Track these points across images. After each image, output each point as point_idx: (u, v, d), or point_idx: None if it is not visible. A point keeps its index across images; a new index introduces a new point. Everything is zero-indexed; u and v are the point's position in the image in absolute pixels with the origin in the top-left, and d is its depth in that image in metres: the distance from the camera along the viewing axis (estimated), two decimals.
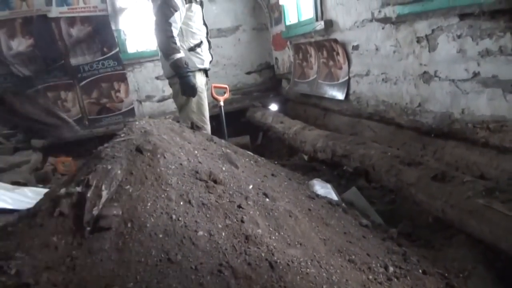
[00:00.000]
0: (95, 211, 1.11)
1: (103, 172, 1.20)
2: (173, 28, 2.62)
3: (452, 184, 1.64)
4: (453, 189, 1.60)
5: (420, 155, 2.35)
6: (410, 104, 2.60)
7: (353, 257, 1.26)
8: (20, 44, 4.18)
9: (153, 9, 2.74)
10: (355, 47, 3.14)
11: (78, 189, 1.18)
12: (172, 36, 2.63)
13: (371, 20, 2.85)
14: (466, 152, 2.06)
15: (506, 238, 1.31)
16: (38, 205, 1.37)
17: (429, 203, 1.69)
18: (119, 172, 1.21)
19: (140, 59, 4.73)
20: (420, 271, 1.30)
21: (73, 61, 4.36)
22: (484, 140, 1.96)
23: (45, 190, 1.99)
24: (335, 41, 3.34)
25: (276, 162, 2.25)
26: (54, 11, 4.20)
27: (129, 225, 1.08)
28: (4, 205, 2.11)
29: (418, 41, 2.43)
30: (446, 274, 1.31)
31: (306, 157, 2.89)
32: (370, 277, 1.21)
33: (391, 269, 1.28)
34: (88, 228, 1.08)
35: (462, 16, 2.01)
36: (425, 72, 2.43)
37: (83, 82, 4.45)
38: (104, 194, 1.15)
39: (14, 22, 4.13)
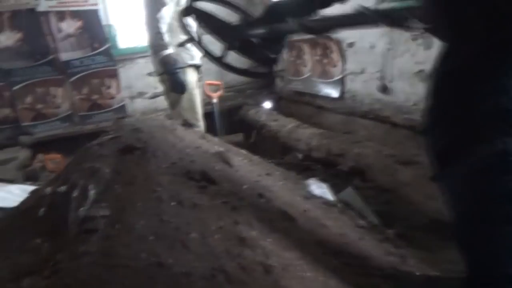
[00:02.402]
0: (81, 212, 1.06)
1: (90, 171, 1.15)
2: (161, 24, 2.56)
3: None
4: None
5: (415, 154, 2.32)
6: (405, 103, 2.58)
7: (350, 259, 1.22)
8: (8, 38, 4.07)
9: (143, 4, 2.69)
10: (350, 45, 3.11)
11: (64, 188, 1.13)
12: (160, 32, 2.57)
13: None
14: None
15: None
16: (23, 204, 1.31)
17: (425, 204, 1.67)
18: (107, 171, 1.16)
19: (131, 55, 4.64)
20: (418, 274, 1.27)
21: (63, 56, 4.27)
22: None
23: (33, 188, 1.93)
24: (330, 38, 3.31)
25: (270, 161, 2.21)
26: (43, 5, 4.10)
27: (116, 227, 1.03)
28: None
29: (413, 39, 2.41)
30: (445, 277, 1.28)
31: (300, 156, 2.85)
32: (368, 280, 1.17)
33: (388, 271, 1.24)
34: (74, 230, 1.03)
35: None
36: (420, 71, 2.41)
37: (73, 78, 4.35)
38: (91, 194, 1.09)
39: (2, 15, 4.02)
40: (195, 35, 1.36)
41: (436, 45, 2.19)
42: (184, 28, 1.32)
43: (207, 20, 1.28)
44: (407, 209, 1.78)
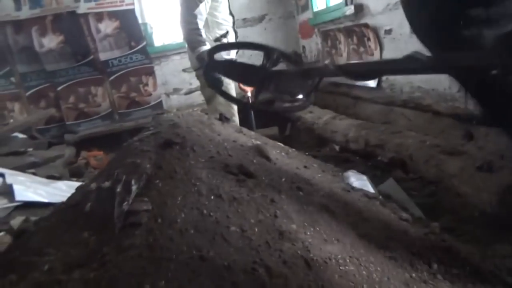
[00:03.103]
0: (125, 206, 1.08)
1: (131, 166, 1.17)
2: (198, 20, 2.58)
3: (501, 175, 1.52)
4: (502, 180, 1.49)
5: (460, 144, 2.21)
6: (449, 90, 2.45)
7: (394, 253, 1.18)
8: (51, 41, 4.27)
9: (179, 1, 2.72)
10: (388, 32, 3.00)
11: (108, 184, 1.16)
12: (197, 28, 2.59)
13: None
14: None
15: None
16: (70, 200, 1.37)
17: (474, 196, 1.58)
18: (148, 166, 1.18)
19: (166, 52, 4.74)
20: (469, 268, 1.21)
21: (102, 56, 4.42)
22: None
23: (78, 184, 2.02)
24: (366, 26, 3.20)
25: (307, 154, 2.17)
26: (82, 7, 4.26)
27: (159, 220, 1.05)
28: (40, 198, 2.16)
29: None
30: (498, 272, 1.21)
31: (337, 148, 2.80)
32: (413, 275, 1.13)
33: (435, 266, 1.19)
34: (119, 224, 1.06)
35: None
36: None
37: (112, 77, 4.51)
38: (134, 189, 1.12)
39: (44, 19, 4.22)
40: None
41: None
42: (211, 83, 1.23)
43: (232, 69, 1.22)
44: (454, 202, 1.70)
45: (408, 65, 0.92)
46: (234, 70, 1.19)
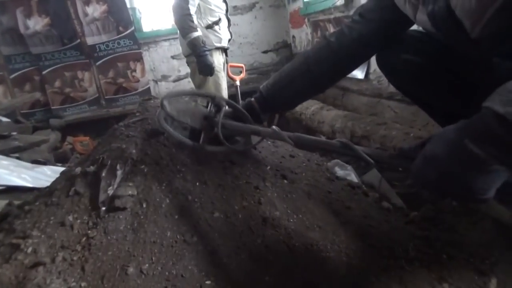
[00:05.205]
0: (110, 191, 1.09)
1: (117, 151, 1.17)
2: (190, 6, 2.56)
3: None
4: None
5: None
6: None
7: (374, 241, 1.22)
8: (37, 23, 4.17)
9: None
10: None
11: (93, 168, 1.16)
12: (189, 14, 2.56)
13: None
14: None
15: None
16: (55, 184, 1.36)
17: None
18: (134, 151, 1.19)
19: (155, 38, 4.67)
20: (445, 256, 1.25)
21: (89, 40, 4.34)
22: None
23: (63, 169, 2.01)
24: None
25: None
26: None
27: (144, 205, 1.06)
28: (24, 183, 2.13)
29: None
30: (472, 260, 1.26)
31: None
32: (392, 261, 1.17)
33: (413, 253, 1.23)
34: (104, 208, 1.07)
35: None
36: None
37: (99, 62, 4.43)
38: (119, 173, 1.12)
39: (30, 0, 4.11)
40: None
41: None
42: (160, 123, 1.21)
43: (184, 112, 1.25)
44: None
45: (338, 149, 1.05)
46: (185, 112, 1.22)
